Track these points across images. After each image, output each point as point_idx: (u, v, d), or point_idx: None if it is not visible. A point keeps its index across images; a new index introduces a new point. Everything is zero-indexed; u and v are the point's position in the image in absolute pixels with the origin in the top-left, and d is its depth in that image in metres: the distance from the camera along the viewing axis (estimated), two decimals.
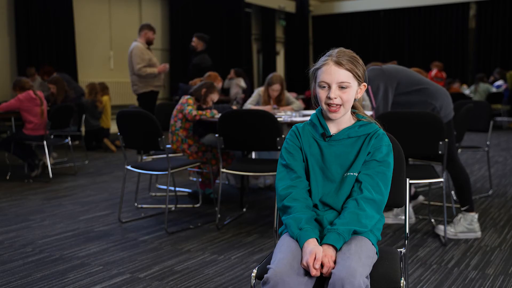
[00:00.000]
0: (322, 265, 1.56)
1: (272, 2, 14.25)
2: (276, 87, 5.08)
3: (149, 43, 6.30)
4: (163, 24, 11.53)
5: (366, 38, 15.27)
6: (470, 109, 4.10)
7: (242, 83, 9.76)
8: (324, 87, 1.74)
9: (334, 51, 1.76)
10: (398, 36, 14.93)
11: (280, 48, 15.73)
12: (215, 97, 4.39)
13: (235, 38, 13.02)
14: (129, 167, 3.83)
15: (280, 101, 5.15)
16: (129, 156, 4.13)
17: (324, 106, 1.75)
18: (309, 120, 1.84)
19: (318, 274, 1.55)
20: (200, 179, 4.45)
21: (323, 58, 1.77)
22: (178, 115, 4.29)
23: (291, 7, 15.10)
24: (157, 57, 9.47)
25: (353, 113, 1.82)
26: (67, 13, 9.40)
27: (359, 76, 1.75)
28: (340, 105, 1.73)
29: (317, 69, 1.76)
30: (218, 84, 5.04)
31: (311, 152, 1.79)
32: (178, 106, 4.33)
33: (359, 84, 1.77)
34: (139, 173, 4.01)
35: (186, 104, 4.25)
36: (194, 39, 6.71)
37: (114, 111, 8.59)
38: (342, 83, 1.72)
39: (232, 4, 12.74)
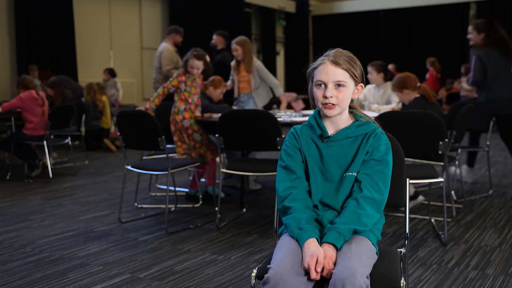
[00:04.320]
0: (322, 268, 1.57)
1: (272, 2, 14.25)
2: (233, 46, 5.17)
3: (177, 46, 6.39)
4: (163, 24, 11.53)
5: (366, 38, 15.26)
6: (470, 109, 4.10)
7: (118, 84, 9.52)
8: (320, 85, 1.75)
9: (331, 51, 1.77)
10: (398, 36, 14.93)
11: (280, 48, 15.72)
12: (194, 64, 4.26)
13: (235, 38, 13.01)
14: (129, 167, 3.83)
15: (248, 65, 5.20)
16: (129, 156, 4.12)
17: (320, 105, 1.76)
18: (307, 121, 1.85)
19: (318, 277, 1.56)
20: (191, 178, 4.47)
21: (320, 58, 1.79)
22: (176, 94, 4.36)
23: (291, 7, 15.09)
24: None
25: (351, 113, 1.83)
26: (67, 13, 9.40)
27: (356, 76, 1.76)
28: (336, 104, 1.73)
29: (314, 68, 1.78)
30: (223, 89, 5.02)
31: (310, 153, 1.80)
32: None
33: (356, 85, 1.78)
34: (139, 173, 4.01)
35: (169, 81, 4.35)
36: (214, 36, 6.70)
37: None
38: (338, 82, 1.73)
39: (232, 4, 12.73)
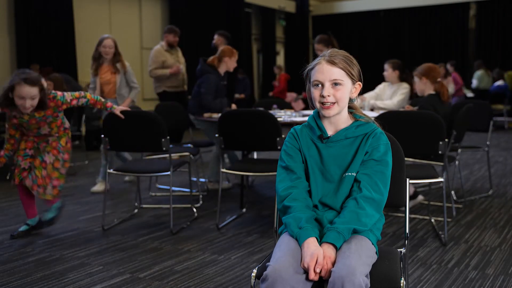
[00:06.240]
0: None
1: (272, 2, 14.25)
2: (109, 42, 4.94)
3: (170, 45, 6.41)
4: (163, 24, 11.53)
5: (366, 38, 15.27)
6: (470, 109, 4.10)
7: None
8: (317, 85, 1.75)
9: (327, 51, 1.79)
10: (398, 36, 14.93)
11: (280, 48, 15.73)
12: (25, 91, 3.10)
13: (235, 38, 13.01)
14: (110, 171, 3.74)
15: (115, 61, 5.00)
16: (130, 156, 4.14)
17: (318, 105, 1.77)
18: (307, 122, 1.85)
19: (317, 278, 1.56)
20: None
21: (316, 59, 1.80)
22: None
23: (291, 7, 15.09)
24: None
25: (350, 113, 1.83)
26: (67, 13, 9.40)
27: (352, 74, 1.76)
28: (334, 102, 1.74)
29: (311, 69, 1.79)
30: (236, 57, 4.89)
31: (309, 154, 1.80)
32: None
33: (354, 83, 1.78)
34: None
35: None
36: (216, 36, 6.69)
37: None
38: (335, 81, 1.73)
39: (232, 4, 12.73)
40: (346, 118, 1.81)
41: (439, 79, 3.93)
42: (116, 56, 5.01)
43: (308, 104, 1.88)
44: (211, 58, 4.84)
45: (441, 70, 10.29)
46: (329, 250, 1.59)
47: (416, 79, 3.98)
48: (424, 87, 3.93)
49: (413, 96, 4.85)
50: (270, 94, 12.62)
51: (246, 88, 11.07)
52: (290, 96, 11.50)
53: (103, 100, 3.55)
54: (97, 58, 5.07)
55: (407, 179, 1.92)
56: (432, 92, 3.89)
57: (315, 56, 5.65)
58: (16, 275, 2.83)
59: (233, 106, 5.09)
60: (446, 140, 3.31)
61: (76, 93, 3.40)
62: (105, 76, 5.04)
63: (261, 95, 14.33)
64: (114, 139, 3.69)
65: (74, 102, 3.39)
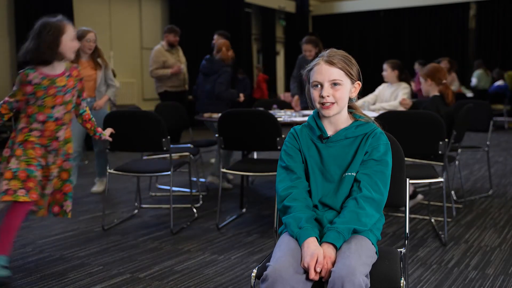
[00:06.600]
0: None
1: (272, 2, 14.25)
2: (92, 36, 4.50)
3: (170, 45, 6.41)
4: (163, 24, 11.52)
5: (366, 38, 15.27)
6: (470, 109, 4.10)
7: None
8: (317, 86, 1.76)
9: (325, 52, 1.79)
10: (398, 36, 14.93)
11: (280, 48, 15.72)
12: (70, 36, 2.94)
13: (235, 38, 13.01)
14: (111, 171, 3.73)
15: (102, 58, 4.65)
16: (129, 156, 4.13)
17: (318, 105, 1.77)
18: (306, 122, 1.85)
19: (317, 278, 1.56)
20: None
21: (315, 60, 1.80)
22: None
23: (291, 7, 15.09)
24: None
25: (350, 113, 1.83)
26: (67, 13, 9.32)
27: (351, 74, 1.77)
28: (334, 102, 1.74)
29: (310, 70, 1.79)
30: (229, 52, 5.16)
31: (309, 154, 1.80)
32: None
33: (353, 83, 1.78)
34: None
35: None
36: (215, 36, 6.69)
37: None
38: (334, 81, 1.74)
39: (232, 4, 12.73)
40: (346, 118, 1.82)
41: (444, 81, 3.95)
42: (96, 51, 4.62)
43: (308, 104, 1.88)
44: (223, 53, 5.11)
45: (443, 64, 10.16)
46: (329, 250, 1.59)
47: (421, 79, 4.00)
48: (429, 88, 3.95)
49: (413, 96, 4.88)
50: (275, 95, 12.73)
51: (246, 88, 11.07)
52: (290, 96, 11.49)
53: (95, 123, 3.19)
54: (76, 53, 4.78)
55: (407, 179, 1.92)
56: (437, 93, 3.91)
57: (315, 56, 5.68)
58: (16, 275, 2.83)
59: (241, 96, 5.29)
60: (446, 140, 3.31)
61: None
62: (85, 72, 4.45)
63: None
64: (114, 139, 3.66)
65: (80, 98, 3.06)
